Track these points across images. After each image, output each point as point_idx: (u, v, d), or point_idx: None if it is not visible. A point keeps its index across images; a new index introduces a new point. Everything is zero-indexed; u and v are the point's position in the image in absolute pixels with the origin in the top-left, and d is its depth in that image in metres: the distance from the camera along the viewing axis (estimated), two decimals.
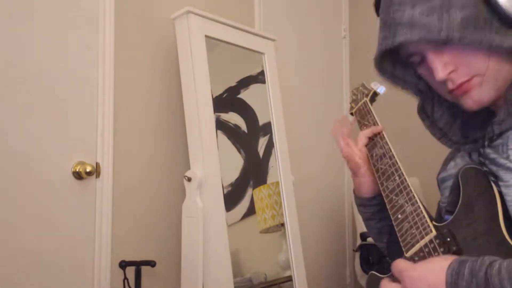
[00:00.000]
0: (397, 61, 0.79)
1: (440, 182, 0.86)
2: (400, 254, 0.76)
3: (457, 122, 0.80)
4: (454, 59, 0.68)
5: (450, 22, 0.64)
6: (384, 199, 0.84)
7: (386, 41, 0.70)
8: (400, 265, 0.63)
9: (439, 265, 0.59)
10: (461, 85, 0.69)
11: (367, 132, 0.98)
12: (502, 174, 0.68)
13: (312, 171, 2.64)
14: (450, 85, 0.70)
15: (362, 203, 0.97)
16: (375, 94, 1.10)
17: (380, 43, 0.72)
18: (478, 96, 0.70)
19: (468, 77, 0.69)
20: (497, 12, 0.64)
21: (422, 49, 0.70)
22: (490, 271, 0.55)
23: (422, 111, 0.83)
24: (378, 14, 0.77)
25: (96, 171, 1.67)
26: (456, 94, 0.71)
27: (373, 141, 0.97)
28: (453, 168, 0.82)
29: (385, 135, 0.95)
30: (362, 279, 2.41)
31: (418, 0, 0.67)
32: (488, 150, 0.72)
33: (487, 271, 0.55)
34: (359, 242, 2.37)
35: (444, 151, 0.91)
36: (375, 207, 0.95)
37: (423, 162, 2.18)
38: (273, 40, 2.19)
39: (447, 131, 0.80)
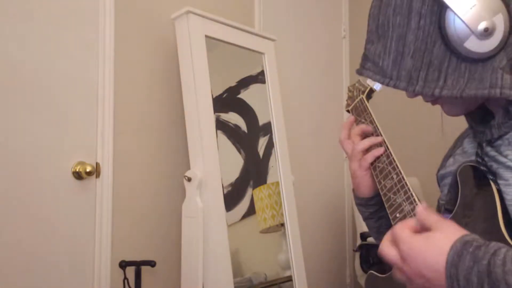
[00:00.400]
0: None
1: (440, 179, 0.86)
2: None
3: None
4: (422, 95, 0.72)
5: (400, 70, 0.68)
6: (382, 197, 0.84)
7: (359, 67, 0.75)
8: (401, 233, 0.59)
9: (440, 245, 0.55)
10: (430, 101, 0.75)
11: (358, 130, 0.98)
12: (502, 172, 0.68)
13: (312, 171, 2.64)
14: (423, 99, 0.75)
15: (361, 202, 0.97)
16: (372, 91, 1.09)
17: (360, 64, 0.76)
18: (447, 111, 0.75)
19: (432, 99, 0.74)
20: (456, 52, 0.65)
21: None
22: (494, 259, 0.51)
23: None
24: None
25: (96, 171, 1.67)
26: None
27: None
28: (452, 165, 0.82)
29: (382, 133, 0.95)
30: (362, 279, 2.41)
31: (381, 37, 0.70)
32: (487, 148, 0.72)
33: (491, 259, 0.51)
34: (359, 242, 2.37)
35: (443, 150, 0.90)
36: (374, 207, 0.95)
37: (423, 162, 2.18)
38: (273, 40, 2.19)
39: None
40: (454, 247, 0.54)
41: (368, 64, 0.73)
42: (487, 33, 0.63)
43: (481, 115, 0.77)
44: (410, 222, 0.60)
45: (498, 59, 0.65)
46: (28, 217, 1.49)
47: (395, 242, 0.59)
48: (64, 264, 1.57)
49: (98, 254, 1.66)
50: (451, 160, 0.84)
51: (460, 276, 0.52)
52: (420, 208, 0.60)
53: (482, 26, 0.63)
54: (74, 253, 1.60)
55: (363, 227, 2.41)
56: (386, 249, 0.60)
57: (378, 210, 0.94)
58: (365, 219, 0.97)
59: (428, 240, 0.56)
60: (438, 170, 0.87)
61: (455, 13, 0.64)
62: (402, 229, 0.59)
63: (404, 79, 0.68)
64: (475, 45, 0.64)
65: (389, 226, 0.87)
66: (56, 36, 1.60)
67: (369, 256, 2.27)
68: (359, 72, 0.75)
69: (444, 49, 0.66)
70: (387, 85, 0.70)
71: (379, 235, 0.96)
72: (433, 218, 0.58)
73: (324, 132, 2.67)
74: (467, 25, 0.63)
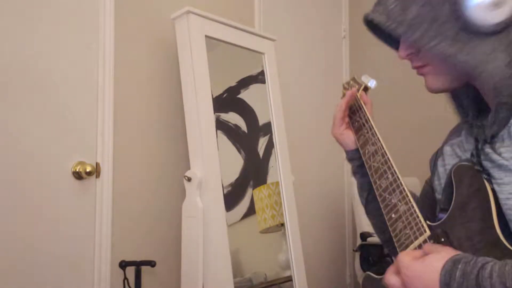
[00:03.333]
0: None
1: (432, 165, 0.87)
2: (376, 214, 0.84)
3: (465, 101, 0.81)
4: (417, 44, 0.72)
5: (405, 16, 0.69)
6: (377, 197, 0.83)
7: (370, 11, 0.76)
8: (403, 260, 0.64)
9: (435, 265, 0.60)
10: (416, 67, 0.76)
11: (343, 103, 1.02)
12: (495, 171, 0.68)
13: (312, 171, 2.64)
14: (411, 64, 0.77)
15: (348, 156, 1.03)
16: (366, 88, 1.08)
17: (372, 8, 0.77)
18: (430, 83, 0.76)
19: (422, 63, 0.75)
20: (462, 17, 0.66)
21: None
22: (482, 273, 0.55)
23: None
24: None
25: (96, 171, 1.67)
26: (417, 73, 0.77)
27: (365, 137, 0.96)
28: (449, 155, 0.81)
29: (377, 132, 0.93)
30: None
31: None
32: (485, 145, 0.72)
33: (479, 274, 0.56)
34: (359, 242, 2.37)
35: None
36: (358, 161, 0.99)
37: (422, 162, 2.18)
38: (273, 40, 2.19)
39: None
40: (446, 266, 0.58)
41: (379, 8, 0.74)
42: (495, 3, 0.64)
43: (477, 109, 0.77)
44: (412, 252, 0.66)
45: (499, 40, 0.66)
46: (28, 217, 1.49)
47: (398, 271, 0.64)
48: (64, 264, 1.57)
49: (98, 254, 1.66)
50: (447, 148, 0.83)
51: None
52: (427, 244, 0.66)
53: None
54: (74, 253, 1.60)
55: (363, 227, 2.41)
56: (390, 277, 0.65)
57: (362, 165, 0.97)
58: (353, 173, 1.04)
59: (424, 263, 0.61)
60: (434, 155, 0.87)
61: None
62: (403, 256, 0.64)
63: (405, 25, 0.69)
64: (480, 15, 0.64)
65: (370, 185, 0.90)
66: (56, 36, 1.60)
67: (369, 256, 2.27)
68: (367, 14, 0.76)
69: (450, 10, 0.67)
70: (388, 27, 0.71)
71: (362, 192, 1.02)
72: (434, 245, 0.65)
73: (324, 132, 2.67)
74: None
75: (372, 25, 0.80)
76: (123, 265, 1.67)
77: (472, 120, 0.77)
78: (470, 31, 0.66)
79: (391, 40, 0.83)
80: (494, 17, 0.64)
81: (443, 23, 0.67)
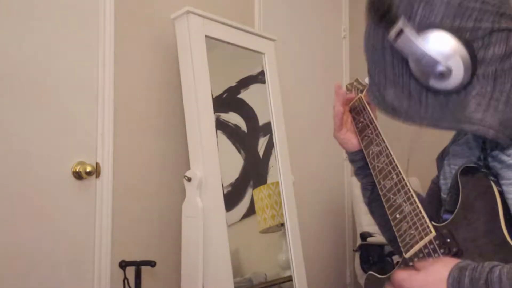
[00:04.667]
0: None
1: (440, 164, 0.87)
2: (380, 213, 0.82)
3: None
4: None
5: (385, 101, 0.73)
6: (382, 198, 0.83)
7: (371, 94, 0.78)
8: (400, 276, 0.63)
9: (440, 274, 0.58)
10: None
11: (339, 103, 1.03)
12: (504, 172, 0.68)
13: (312, 171, 2.64)
14: None
15: (349, 158, 1.03)
16: None
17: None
18: None
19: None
20: (425, 86, 0.69)
21: None
22: (491, 277, 0.55)
23: None
24: None
25: (96, 171, 1.67)
26: None
27: (369, 138, 0.96)
28: (456, 155, 0.81)
29: (381, 132, 0.94)
30: (362, 279, 2.41)
31: (371, 68, 0.76)
32: (493, 146, 0.72)
33: (487, 278, 0.55)
34: (359, 242, 2.37)
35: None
36: (360, 162, 0.99)
37: (423, 162, 2.18)
38: (273, 40, 2.19)
39: None
40: (452, 273, 0.57)
41: (372, 89, 0.76)
42: (444, 76, 0.65)
43: None
44: (405, 269, 0.65)
45: (470, 89, 0.66)
46: (28, 217, 1.49)
47: (399, 286, 0.63)
48: (64, 264, 1.57)
49: (98, 254, 1.66)
50: (454, 147, 0.83)
51: None
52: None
53: (437, 70, 0.65)
54: (74, 253, 1.60)
55: (363, 227, 2.41)
56: None
57: (364, 167, 0.98)
58: (355, 174, 1.04)
59: (427, 273, 0.60)
60: (441, 154, 0.88)
61: (412, 61, 0.68)
62: (400, 272, 0.63)
63: (390, 110, 0.73)
64: (438, 84, 0.67)
65: (373, 184, 0.91)
66: (56, 36, 1.60)
67: (369, 256, 2.27)
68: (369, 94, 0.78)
69: (417, 83, 0.70)
70: (381, 110, 0.75)
71: (364, 192, 1.01)
72: (425, 260, 0.65)
73: (324, 132, 2.67)
74: (423, 72, 0.67)
75: None
76: (123, 265, 1.67)
77: None
78: (442, 93, 0.68)
79: None
80: (452, 83, 0.66)
81: (419, 95, 0.70)
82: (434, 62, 0.65)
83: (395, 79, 0.71)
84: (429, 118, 0.69)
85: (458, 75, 0.65)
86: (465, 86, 0.66)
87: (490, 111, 0.65)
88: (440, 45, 0.64)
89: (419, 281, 0.60)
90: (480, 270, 0.56)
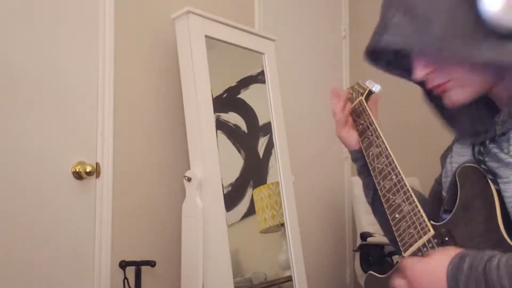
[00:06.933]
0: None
1: (443, 161, 0.87)
2: (382, 213, 0.81)
3: (465, 111, 0.79)
4: (434, 61, 0.71)
5: (429, 34, 0.66)
6: (381, 198, 0.84)
7: (374, 39, 0.72)
8: (403, 262, 0.66)
9: (441, 262, 0.61)
10: (437, 86, 0.73)
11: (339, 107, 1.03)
12: (502, 170, 0.68)
13: (312, 171, 2.64)
14: (428, 84, 0.74)
15: (352, 156, 1.03)
16: (370, 92, 1.10)
17: (372, 37, 0.74)
18: (455, 97, 0.73)
19: (444, 80, 0.72)
20: (483, 22, 0.64)
21: None
22: (489, 265, 0.56)
23: (429, 99, 0.83)
24: None
25: (96, 171, 1.67)
26: (434, 92, 0.75)
27: (369, 139, 0.97)
28: (458, 154, 0.81)
29: (381, 134, 0.95)
30: (362, 279, 2.41)
31: (406, 6, 0.68)
32: (490, 145, 0.72)
33: (486, 266, 0.57)
34: (359, 242, 2.37)
35: (443, 151, 0.90)
36: (363, 160, 0.99)
37: (423, 162, 2.18)
38: (273, 40, 2.19)
39: (454, 120, 0.81)
40: (453, 260, 0.60)
41: (388, 34, 0.69)
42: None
43: (481, 115, 0.77)
44: (414, 256, 0.68)
45: None
46: (28, 217, 1.49)
47: (402, 274, 0.66)
48: (64, 264, 1.57)
49: (98, 254, 1.66)
50: (457, 145, 0.83)
51: (460, 285, 0.58)
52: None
53: None
54: (74, 253, 1.60)
55: (363, 227, 2.41)
56: (396, 281, 0.67)
57: (367, 165, 0.97)
58: (358, 174, 1.04)
59: (429, 260, 0.63)
60: (445, 152, 0.87)
61: None
62: (406, 260, 0.66)
63: (433, 43, 0.66)
64: (502, 19, 0.62)
65: (375, 184, 0.90)
66: (56, 36, 1.60)
67: (369, 256, 2.28)
68: (374, 42, 0.72)
69: (473, 20, 0.64)
70: (415, 48, 0.68)
71: (367, 191, 1.02)
72: (435, 249, 0.67)
73: (324, 132, 2.67)
74: None
75: (372, 54, 0.79)
76: (123, 265, 1.67)
77: (477, 127, 0.76)
78: (497, 35, 0.64)
79: (393, 66, 0.83)
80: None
81: (469, 33, 0.64)
82: None
83: (451, 15, 0.65)
84: (485, 53, 0.63)
85: None
86: None
87: None
88: None
89: (422, 269, 0.63)
90: (480, 258, 0.58)
